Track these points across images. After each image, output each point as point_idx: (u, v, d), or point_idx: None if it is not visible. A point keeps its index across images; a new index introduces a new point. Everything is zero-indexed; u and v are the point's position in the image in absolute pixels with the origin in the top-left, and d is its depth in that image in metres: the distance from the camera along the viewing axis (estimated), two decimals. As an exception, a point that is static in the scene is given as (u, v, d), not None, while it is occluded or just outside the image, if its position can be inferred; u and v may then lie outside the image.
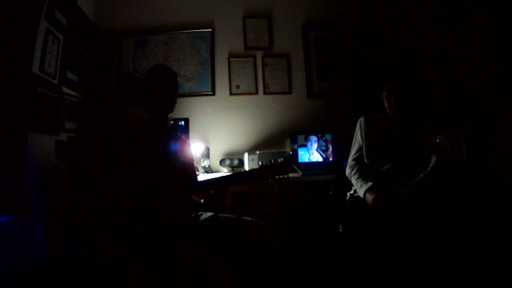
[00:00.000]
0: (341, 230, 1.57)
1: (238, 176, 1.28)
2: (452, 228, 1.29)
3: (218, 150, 2.41)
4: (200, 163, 2.23)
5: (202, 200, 1.36)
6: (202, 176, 2.02)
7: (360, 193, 1.44)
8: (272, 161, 1.25)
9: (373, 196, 1.36)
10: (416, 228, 1.27)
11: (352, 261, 1.34)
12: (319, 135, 2.33)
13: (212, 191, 1.26)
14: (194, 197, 1.39)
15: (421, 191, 1.36)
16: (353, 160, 1.59)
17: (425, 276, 1.24)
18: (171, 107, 1.38)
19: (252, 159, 2.16)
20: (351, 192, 1.56)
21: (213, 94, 2.47)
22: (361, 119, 1.61)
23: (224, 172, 2.30)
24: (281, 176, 1.23)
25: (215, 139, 2.43)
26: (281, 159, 1.26)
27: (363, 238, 1.29)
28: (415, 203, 1.33)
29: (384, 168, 1.49)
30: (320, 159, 2.32)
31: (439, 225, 1.27)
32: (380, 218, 1.31)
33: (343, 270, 1.74)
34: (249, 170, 1.34)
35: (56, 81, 1.88)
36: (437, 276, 1.23)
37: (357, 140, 1.61)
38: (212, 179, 1.27)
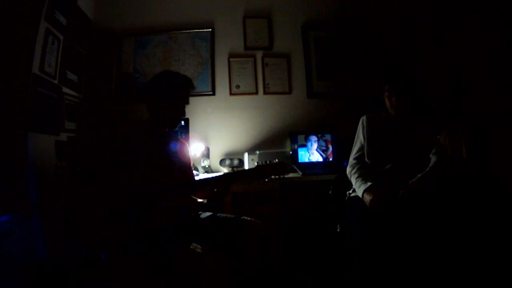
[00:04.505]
0: (338, 230, 1.57)
1: (233, 175, 1.29)
2: (451, 229, 1.29)
3: (218, 150, 2.41)
4: (200, 163, 2.23)
5: (206, 200, 1.36)
6: (202, 176, 2.02)
7: (359, 192, 1.44)
8: (268, 161, 1.25)
9: (371, 197, 1.36)
10: (413, 229, 1.26)
11: (348, 261, 1.33)
12: (319, 135, 2.33)
13: (215, 190, 1.27)
14: (193, 197, 1.39)
15: (418, 191, 1.36)
16: (354, 159, 1.58)
17: (419, 277, 1.24)
18: (175, 124, 1.39)
19: (252, 159, 2.16)
20: (350, 192, 1.56)
21: (213, 94, 2.47)
22: (363, 118, 1.61)
23: (224, 172, 2.30)
24: (277, 176, 1.24)
25: (215, 139, 2.43)
26: (277, 159, 1.26)
27: (357, 239, 1.29)
28: (413, 203, 1.33)
29: (385, 168, 1.49)
30: (320, 159, 2.32)
31: (438, 226, 1.27)
32: (376, 219, 1.31)
33: (343, 270, 1.74)
34: (244, 170, 1.35)
35: (56, 81, 1.87)
36: (432, 277, 1.23)
37: (359, 139, 1.61)
38: (207, 178, 1.27)
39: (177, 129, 1.41)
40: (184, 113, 1.38)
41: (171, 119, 1.36)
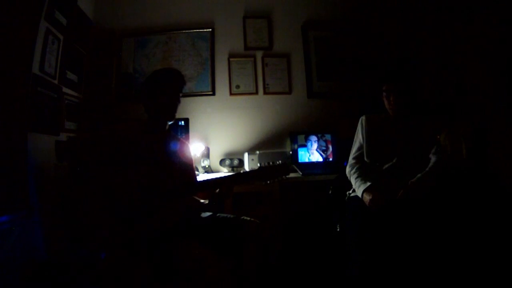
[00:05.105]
0: (338, 229, 1.57)
1: (237, 177, 1.29)
2: (451, 229, 1.29)
3: (218, 150, 2.41)
4: (200, 163, 2.23)
5: (207, 201, 1.36)
6: (202, 176, 2.02)
7: (358, 192, 1.44)
8: (271, 162, 1.25)
9: (370, 197, 1.36)
10: (413, 229, 1.26)
11: (348, 261, 1.34)
12: (319, 135, 2.33)
13: (217, 191, 1.27)
14: (195, 197, 1.39)
15: (418, 191, 1.36)
16: (354, 158, 1.59)
17: (419, 277, 1.24)
18: (172, 115, 1.38)
19: (252, 159, 2.16)
20: (350, 192, 1.56)
21: (213, 94, 2.47)
22: (363, 118, 1.62)
23: (224, 172, 2.30)
24: (280, 178, 1.24)
25: (215, 139, 2.43)
26: (279, 161, 1.26)
27: (356, 239, 1.29)
28: (413, 203, 1.33)
29: (384, 167, 1.49)
30: (320, 159, 2.32)
31: (437, 226, 1.27)
32: (376, 219, 1.31)
33: (342, 270, 1.74)
34: (248, 171, 1.35)
35: (56, 81, 1.87)
36: (433, 277, 1.23)
37: (358, 138, 1.61)
38: (210, 179, 1.27)
39: (174, 120, 1.40)
40: (178, 100, 1.38)
41: (165, 110, 1.36)
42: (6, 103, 1.55)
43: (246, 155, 2.20)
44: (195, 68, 2.48)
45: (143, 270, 1.09)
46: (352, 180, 1.51)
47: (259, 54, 2.53)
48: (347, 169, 1.59)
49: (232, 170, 2.26)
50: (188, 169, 1.45)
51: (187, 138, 2.20)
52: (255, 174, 1.27)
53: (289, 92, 2.52)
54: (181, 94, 1.40)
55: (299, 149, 2.30)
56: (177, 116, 1.90)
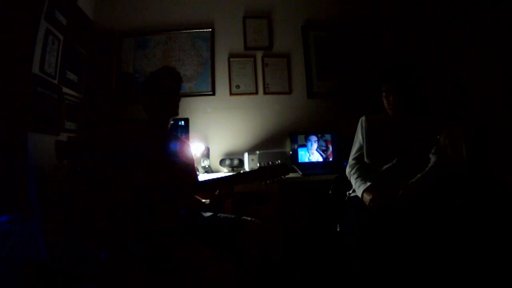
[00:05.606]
0: (338, 229, 1.57)
1: (236, 177, 1.29)
2: (451, 229, 1.29)
3: (218, 150, 2.41)
4: (200, 163, 2.23)
5: (208, 201, 1.36)
6: (202, 176, 2.02)
7: (358, 193, 1.44)
8: (270, 163, 1.26)
9: (370, 197, 1.36)
10: (413, 229, 1.27)
11: (348, 260, 1.34)
12: (319, 135, 2.33)
13: (217, 191, 1.27)
14: (197, 197, 1.39)
15: (418, 191, 1.36)
16: (354, 159, 1.59)
17: (421, 276, 1.24)
18: (174, 111, 1.38)
19: (252, 159, 2.16)
20: (350, 192, 1.57)
21: (213, 94, 2.47)
22: (362, 118, 1.62)
23: (224, 172, 2.30)
24: (279, 178, 1.24)
25: (215, 139, 2.43)
26: (279, 161, 1.27)
27: (357, 239, 1.30)
28: (413, 203, 1.33)
29: (384, 167, 1.49)
30: (320, 159, 2.32)
31: (437, 225, 1.27)
32: (376, 219, 1.31)
33: (342, 270, 1.74)
34: (247, 172, 1.35)
35: (56, 81, 1.87)
36: (433, 276, 1.23)
37: (358, 139, 1.61)
38: (210, 179, 1.27)
39: (177, 115, 1.41)
40: (177, 96, 1.39)
41: (165, 107, 1.36)
42: (6, 103, 1.55)
43: (246, 155, 2.20)
44: (195, 68, 2.48)
45: (143, 270, 1.09)
46: (352, 181, 1.52)
47: (259, 54, 2.53)
48: (347, 169, 1.59)
49: (232, 170, 2.26)
50: (189, 168, 1.46)
51: (187, 138, 2.20)
52: (254, 174, 1.27)
53: (289, 92, 2.52)
54: (179, 91, 1.40)
55: (299, 149, 2.30)
56: (177, 116, 1.90)
